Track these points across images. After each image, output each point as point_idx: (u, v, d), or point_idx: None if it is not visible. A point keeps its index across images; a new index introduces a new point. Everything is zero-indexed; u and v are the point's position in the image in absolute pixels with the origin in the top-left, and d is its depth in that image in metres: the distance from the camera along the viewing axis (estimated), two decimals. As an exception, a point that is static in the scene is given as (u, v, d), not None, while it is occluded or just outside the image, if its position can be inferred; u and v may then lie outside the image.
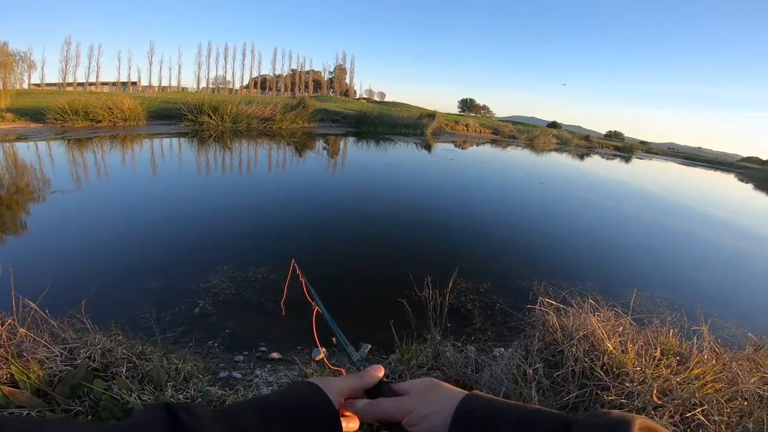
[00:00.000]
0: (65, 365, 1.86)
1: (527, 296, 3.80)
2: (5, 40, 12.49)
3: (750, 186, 27.44)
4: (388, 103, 46.65)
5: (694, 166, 40.36)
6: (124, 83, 44.26)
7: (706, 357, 2.11)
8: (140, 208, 5.81)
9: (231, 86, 50.02)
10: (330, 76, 59.84)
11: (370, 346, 3.03)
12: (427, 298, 2.53)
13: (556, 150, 28.67)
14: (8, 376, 1.71)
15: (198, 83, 47.14)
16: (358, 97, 58.61)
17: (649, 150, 49.82)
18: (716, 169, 41.57)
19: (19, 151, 9.13)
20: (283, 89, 54.22)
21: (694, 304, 3.36)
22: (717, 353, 2.22)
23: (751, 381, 2.01)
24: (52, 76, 43.57)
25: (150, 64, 44.66)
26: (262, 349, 2.87)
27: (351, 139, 17.92)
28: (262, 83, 53.96)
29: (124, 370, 1.97)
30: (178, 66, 47.07)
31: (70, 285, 3.34)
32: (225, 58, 48.76)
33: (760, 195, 22.82)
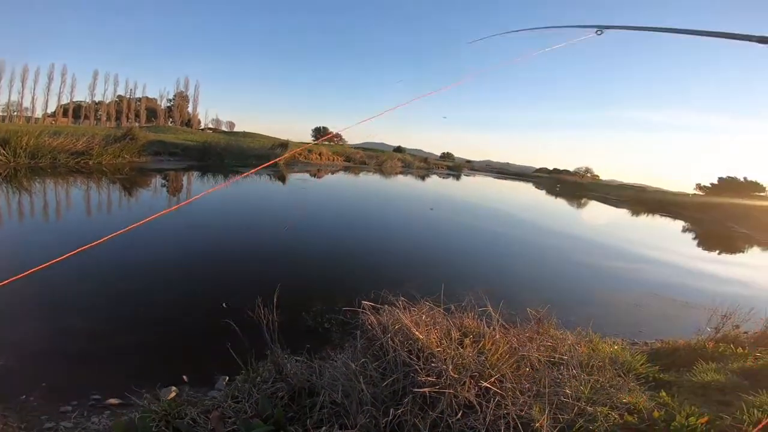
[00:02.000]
0: None
1: (360, 301, 4.24)
2: None
3: (543, 191, 35.73)
4: (237, 133, 44.78)
5: (505, 178, 50.38)
6: None
7: (497, 334, 2.39)
8: None
9: (29, 114, 40.53)
10: (169, 104, 54.07)
11: (227, 377, 2.99)
12: (259, 317, 2.62)
13: (401, 173, 32.07)
14: None
15: (-21, 110, 36.84)
16: (203, 127, 54.43)
17: (472, 168, 60.29)
18: (520, 179, 52.75)
19: None
20: (104, 119, 46.48)
21: (493, 291, 3.71)
22: (505, 329, 2.52)
23: (531, 349, 2.38)
24: None
25: None
26: (96, 397, 2.69)
27: (194, 174, 16.60)
28: (75, 111, 45.22)
29: None
30: None
31: None
32: (23, 81, 39.42)
33: (549, 198, 29.96)
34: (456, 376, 2.00)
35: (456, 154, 67.71)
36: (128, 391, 2.71)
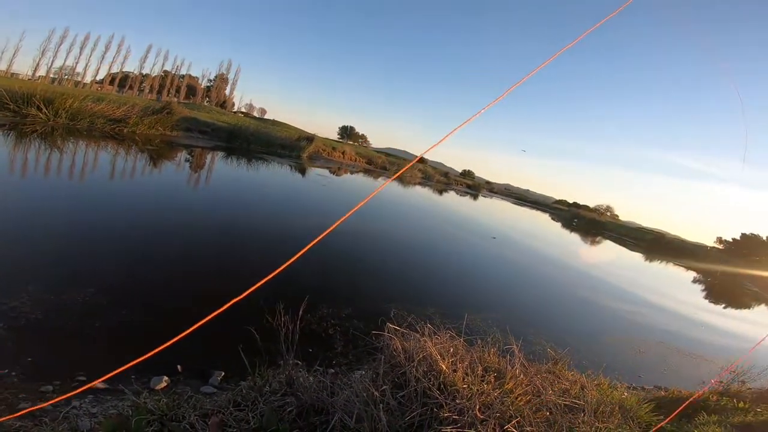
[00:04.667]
0: None
1: (385, 321, 4.26)
2: None
3: (559, 224, 35.20)
4: (267, 120, 45.63)
5: (522, 205, 49.80)
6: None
7: (517, 372, 2.35)
8: None
9: (79, 79, 42.36)
10: (209, 84, 55.58)
11: (223, 373, 2.94)
12: (279, 325, 2.51)
13: (420, 184, 32.10)
14: None
15: (35, 71, 38.80)
16: (236, 110, 55.69)
17: (491, 189, 59.73)
18: (537, 208, 52.00)
19: None
20: (147, 90, 48.15)
21: (512, 324, 3.93)
22: (525, 368, 2.48)
23: (549, 392, 2.34)
24: None
25: (-27, 44, 35.04)
26: (81, 378, 2.58)
27: (219, 154, 17.02)
28: (121, 80, 46.99)
29: None
30: (15, 49, 37.97)
31: None
32: (81, 48, 41.33)
33: (565, 231, 29.49)
34: (481, 416, 1.94)
35: (476, 173, 67.32)
36: (115, 375, 2.61)
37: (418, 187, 28.52)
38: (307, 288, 4.79)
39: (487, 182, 65.25)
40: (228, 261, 5.42)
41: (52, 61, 40.06)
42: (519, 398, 2.18)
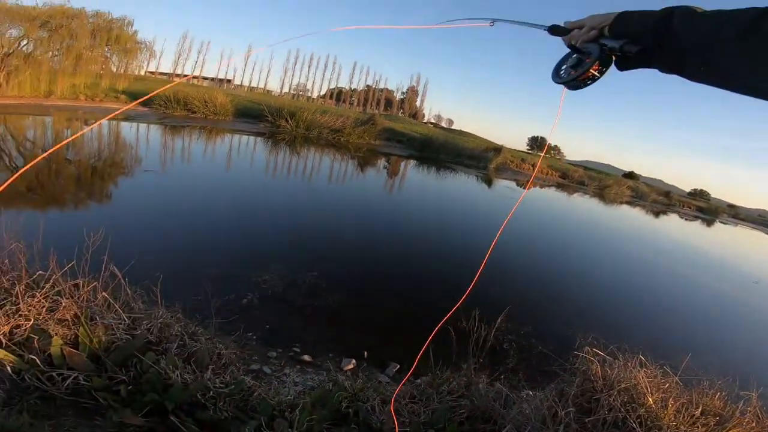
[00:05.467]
0: (126, 334, 2.03)
1: (568, 344, 3.64)
2: (136, 29, 14.23)
3: None
4: (454, 130, 46.67)
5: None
6: (221, 80, 49.17)
7: (746, 420, 2.11)
8: (215, 197, 6.39)
9: (309, 94, 53.09)
10: (402, 97, 61.26)
11: (398, 366, 3.02)
12: (471, 330, 2.63)
13: (628, 203, 26.73)
14: (74, 336, 1.90)
15: (281, 87, 50.77)
16: (426, 120, 59.28)
17: (736, 215, 44.41)
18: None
19: (123, 130, 10.43)
20: (356, 103, 56.45)
21: (748, 373, 3.13)
22: (759, 418, 2.21)
23: None
24: (166, 66, 49.10)
25: (245, 65, 48.94)
26: (296, 349, 2.97)
27: (413, 162, 18.12)
28: (337, 95, 56.69)
29: (175, 347, 2.10)
30: (268, 69, 50.91)
31: (148, 259, 3.63)
32: (308, 67, 52.10)
33: None
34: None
35: (714, 195, 52.00)
36: (319, 350, 3.05)
37: (624, 206, 23.76)
38: (493, 299, 4.53)
39: (730, 205, 49.25)
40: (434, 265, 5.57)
41: (291, 79, 51.33)
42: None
